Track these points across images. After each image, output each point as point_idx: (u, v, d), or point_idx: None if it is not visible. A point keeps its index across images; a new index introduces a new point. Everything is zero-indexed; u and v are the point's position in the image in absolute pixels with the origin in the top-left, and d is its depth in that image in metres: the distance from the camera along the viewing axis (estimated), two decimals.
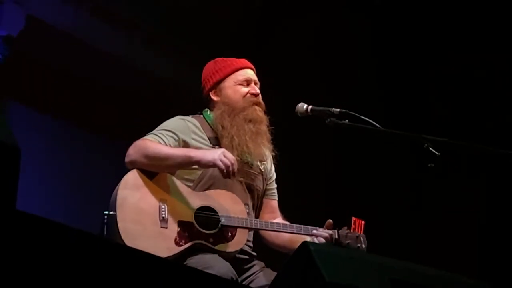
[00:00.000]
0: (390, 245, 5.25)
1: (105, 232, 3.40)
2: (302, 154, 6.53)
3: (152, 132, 3.61)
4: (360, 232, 3.59)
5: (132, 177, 3.49)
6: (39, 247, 2.12)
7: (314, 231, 3.57)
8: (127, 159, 3.53)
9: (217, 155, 3.44)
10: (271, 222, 3.62)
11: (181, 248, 3.42)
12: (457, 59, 6.39)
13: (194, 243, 3.44)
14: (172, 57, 6.55)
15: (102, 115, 6.38)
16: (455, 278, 2.78)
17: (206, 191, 3.57)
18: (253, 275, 3.59)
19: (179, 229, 3.43)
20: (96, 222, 3.49)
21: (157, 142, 3.54)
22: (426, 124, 6.27)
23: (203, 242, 3.45)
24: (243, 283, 3.53)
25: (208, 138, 3.66)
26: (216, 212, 3.51)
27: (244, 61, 3.82)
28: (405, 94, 6.61)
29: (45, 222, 2.16)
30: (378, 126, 3.53)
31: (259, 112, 3.72)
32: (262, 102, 3.77)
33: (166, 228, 3.43)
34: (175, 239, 3.42)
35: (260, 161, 3.72)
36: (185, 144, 3.60)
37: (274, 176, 3.85)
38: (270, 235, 3.71)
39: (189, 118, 3.71)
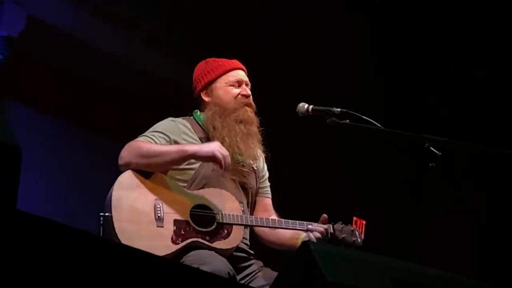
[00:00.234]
0: (391, 245, 5.26)
1: (101, 233, 3.42)
2: (303, 154, 6.54)
3: (143, 134, 3.63)
4: (362, 232, 3.60)
5: (127, 178, 3.50)
6: (40, 247, 2.12)
7: (310, 226, 3.59)
8: (121, 162, 3.54)
9: (214, 147, 3.48)
10: (266, 219, 3.64)
11: (178, 247, 3.43)
12: (457, 59, 6.39)
13: (190, 241, 3.45)
14: (172, 57, 6.55)
15: (102, 115, 6.38)
16: (455, 278, 2.79)
17: (201, 190, 3.58)
18: (252, 275, 3.60)
19: (175, 228, 3.45)
20: (96, 222, 3.49)
21: (148, 142, 3.57)
22: (427, 123, 6.27)
23: (199, 240, 3.46)
24: (241, 282, 3.53)
25: (199, 139, 3.68)
26: (212, 210, 3.52)
27: (236, 62, 3.84)
28: (405, 93, 6.61)
29: (46, 222, 2.16)
30: (379, 125, 3.54)
31: (250, 113, 3.74)
32: (253, 103, 3.79)
33: (162, 227, 3.44)
34: (172, 238, 3.43)
35: (252, 160, 3.73)
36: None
37: (267, 175, 3.87)
38: (265, 233, 3.73)
39: (179, 119, 3.73)
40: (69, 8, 6.06)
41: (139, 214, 3.43)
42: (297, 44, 6.62)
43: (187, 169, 3.60)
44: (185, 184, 3.59)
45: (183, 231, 3.45)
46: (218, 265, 3.34)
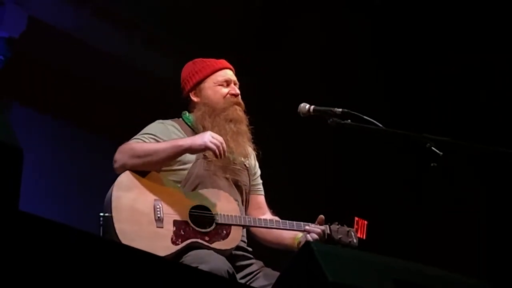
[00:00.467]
0: (393, 245, 5.26)
1: (101, 234, 3.43)
2: (303, 154, 6.54)
3: (134, 137, 3.64)
4: (363, 233, 3.61)
5: (126, 179, 3.51)
6: (41, 248, 2.12)
7: (307, 227, 3.60)
8: (115, 165, 3.55)
9: (206, 137, 3.49)
10: (264, 219, 3.65)
11: (178, 247, 3.44)
12: (457, 59, 6.39)
13: (190, 241, 3.46)
14: (172, 57, 6.55)
15: (103, 115, 6.38)
16: (456, 278, 2.79)
17: (199, 190, 3.59)
18: (252, 275, 3.61)
19: (174, 229, 3.46)
20: (97, 222, 3.50)
21: (140, 142, 3.59)
22: (427, 123, 6.27)
23: (199, 240, 3.48)
24: (242, 281, 3.54)
25: None
26: (210, 211, 3.53)
27: (224, 62, 3.85)
28: (405, 94, 6.61)
29: (47, 222, 2.16)
30: (380, 125, 3.54)
31: (239, 112, 3.75)
32: (242, 102, 3.80)
33: (162, 227, 3.45)
34: (172, 239, 3.44)
35: (244, 157, 3.75)
36: None
37: (259, 172, 3.88)
38: (261, 232, 3.75)
39: (168, 121, 3.75)
40: (70, 8, 6.06)
41: (139, 215, 3.44)
42: (297, 44, 6.62)
43: (179, 169, 3.62)
44: (179, 185, 3.60)
45: (183, 231, 3.47)
46: (217, 263, 3.35)
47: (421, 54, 6.55)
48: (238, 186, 3.72)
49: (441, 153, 3.38)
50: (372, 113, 3.59)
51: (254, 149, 3.80)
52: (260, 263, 3.66)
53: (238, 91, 3.79)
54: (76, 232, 2.20)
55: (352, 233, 3.65)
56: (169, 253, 3.41)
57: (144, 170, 3.54)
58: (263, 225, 3.63)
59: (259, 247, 3.77)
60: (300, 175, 6.51)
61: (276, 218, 3.72)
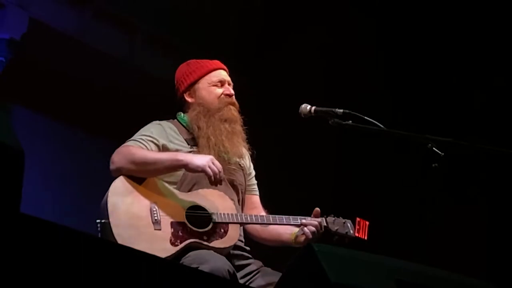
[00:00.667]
0: (395, 245, 5.25)
1: None
2: (305, 155, 6.53)
3: (132, 138, 3.64)
4: (365, 233, 3.61)
5: (120, 184, 3.51)
6: (43, 250, 2.12)
7: (303, 221, 3.60)
8: (112, 166, 3.55)
9: (206, 161, 3.49)
10: (261, 216, 3.65)
11: (177, 248, 3.44)
12: (460, 60, 6.38)
13: (189, 242, 3.46)
14: (172, 58, 6.54)
15: (104, 117, 6.38)
16: (460, 278, 2.78)
17: (194, 191, 3.60)
18: (251, 275, 3.61)
19: (172, 230, 3.46)
20: (95, 229, 3.49)
21: (140, 148, 3.57)
22: (429, 124, 6.26)
23: (197, 240, 3.48)
24: (240, 281, 3.54)
25: (185, 140, 3.70)
26: (207, 211, 3.53)
27: (217, 62, 3.86)
28: (406, 94, 6.60)
29: (48, 224, 2.16)
30: (382, 126, 3.53)
31: (234, 112, 3.76)
32: (236, 102, 3.80)
33: (160, 230, 3.45)
34: (170, 240, 3.44)
35: (238, 157, 3.75)
36: (165, 148, 3.64)
37: (254, 172, 3.88)
38: (257, 230, 3.75)
39: (164, 122, 3.75)
40: (71, 10, 6.06)
41: (136, 219, 3.45)
42: (298, 45, 6.61)
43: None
44: (175, 186, 3.60)
45: (181, 232, 3.47)
46: (217, 263, 3.36)
47: (422, 55, 6.54)
48: (234, 186, 3.72)
49: (443, 154, 3.38)
50: (373, 114, 3.58)
51: (248, 149, 3.81)
52: (259, 263, 3.66)
53: (232, 91, 3.80)
54: (77, 234, 2.19)
55: (349, 224, 3.66)
56: (168, 254, 3.41)
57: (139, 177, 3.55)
58: (259, 222, 3.63)
59: (258, 246, 3.77)
60: (301, 175, 6.50)
61: (274, 215, 3.71)
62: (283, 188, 5.90)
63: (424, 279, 2.63)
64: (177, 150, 3.63)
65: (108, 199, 3.45)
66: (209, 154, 3.60)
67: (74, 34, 6.06)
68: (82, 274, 2.15)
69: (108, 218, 3.41)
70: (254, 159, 3.87)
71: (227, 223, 3.53)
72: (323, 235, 3.62)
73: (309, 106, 3.68)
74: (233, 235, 3.54)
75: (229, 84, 3.81)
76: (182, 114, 3.81)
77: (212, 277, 2.90)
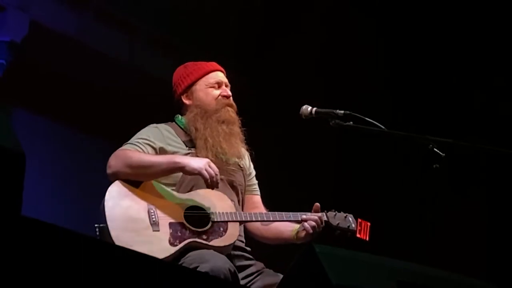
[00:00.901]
0: (396, 246, 5.25)
1: None
2: (305, 155, 6.53)
3: (128, 142, 3.65)
4: (366, 234, 3.61)
5: (117, 188, 3.52)
6: (44, 253, 2.12)
7: (303, 216, 3.60)
8: (109, 171, 3.56)
9: (203, 164, 3.49)
10: (260, 213, 3.66)
11: (177, 248, 3.44)
12: (460, 60, 6.38)
13: (188, 241, 3.46)
14: (172, 58, 6.54)
15: (105, 119, 6.37)
16: (461, 279, 2.78)
17: (192, 192, 3.60)
18: (252, 277, 3.60)
19: (171, 231, 3.46)
20: (93, 233, 3.49)
21: (137, 151, 3.57)
22: (430, 125, 6.26)
23: (197, 240, 3.48)
24: (241, 282, 3.54)
25: (183, 142, 3.70)
26: (205, 211, 3.53)
27: (214, 64, 3.87)
28: (407, 95, 6.60)
29: (49, 227, 2.16)
30: (383, 127, 3.53)
31: (231, 113, 3.76)
32: (234, 103, 3.81)
33: (159, 231, 3.45)
34: (169, 241, 3.44)
35: (237, 158, 3.75)
36: (162, 151, 3.65)
37: (254, 172, 3.88)
38: (259, 228, 3.75)
39: (162, 125, 3.76)
40: (72, 13, 6.05)
41: (134, 221, 3.45)
42: (298, 45, 6.61)
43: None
44: (174, 187, 3.60)
45: (180, 232, 3.47)
46: (218, 262, 3.35)
47: (422, 55, 6.54)
48: (233, 186, 3.72)
49: (443, 154, 3.38)
50: (373, 114, 3.58)
51: (247, 149, 3.81)
52: (261, 265, 3.66)
53: (229, 93, 3.81)
54: (80, 237, 2.19)
55: (350, 218, 3.66)
56: (167, 254, 3.41)
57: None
58: (259, 219, 3.64)
59: (259, 247, 3.77)
60: (301, 175, 6.50)
61: (274, 212, 3.71)
62: (283, 189, 5.90)
63: (426, 280, 2.63)
64: (174, 153, 3.64)
65: (105, 203, 3.46)
66: (207, 155, 3.60)
67: (74, 36, 6.06)
68: (82, 276, 2.15)
69: (105, 222, 3.42)
70: (253, 159, 3.87)
71: (226, 222, 3.53)
72: (326, 230, 3.62)
73: (309, 108, 3.69)
74: (233, 233, 3.54)
75: (226, 86, 3.82)
76: (180, 116, 3.81)
77: (211, 279, 2.90)
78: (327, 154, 6.61)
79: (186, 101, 3.79)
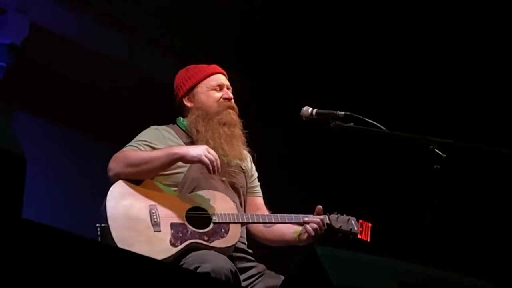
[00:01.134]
0: (397, 247, 5.25)
1: None
2: (306, 155, 6.53)
3: (128, 144, 3.66)
4: (367, 235, 3.61)
5: (118, 188, 3.52)
6: (45, 255, 2.12)
7: (306, 218, 3.60)
8: (110, 173, 3.57)
9: (201, 150, 3.50)
10: (262, 215, 3.66)
11: (178, 249, 3.44)
12: (461, 62, 6.38)
13: (189, 242, 3.46)
14: (172, 58, 6.54)
15: (106, 121, 6.37)
16: (462, 280, 2.78)
17: (194, 193, 3.60)
18: (253, 279, 3.60)
19: (172, 231, 3.46)
20: (94, 233, 3.49)
21: (134, 151, 3.59)
22: (431, 125, 6.26)
23: (198, 241, 3.48)
24: (242, 283, 3.54)
25: (184, 144, 3.71)
26: (207, 211, 3.54)
27: (216, 67, 3.88)
28: (408, 96, 6.61)
29: (50, 229, 2.16)
30: (383, 128, 3.54)
31: (233, 116, 3.78)
32: (235, 106, 3.82)
33: (160, 231, 3.45)
34: (170, 241, 3.44)
35: (239, 160, 3.76)
36: None
37: (256, 174, 3.89)
38: (261, 230, 3.75)
39: (163, 127, 3.77)
40: (72, 15, 6.06)
41: (135, 221, 3.45)
42: (298, 45, 6.61)
43: (175, 173, 3.62)
44: (176, 188, 3.61)
45: (181, 233, 3.47)
46: (219, 263, 3.36)
47: (422, 55, 6.54)
48: (235, 188, 3.73)
49: (444, 155, 3.38)
50: (373, 114, 3.58)
51: (249, 151, 3.82)
52: (262, 266, 3.66)
53: (231, 95, 3.82)
54: (81, 240, 2.19)
55: (352, 221, 3.66)
56: (168, 255, 3.41)
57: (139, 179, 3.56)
58: (260, 221, 3.64)
59: (261, 249, 3.77)
60: (301, 176, 6.50)
61: (276, 214, 3.71)
62: (284, 189, 5.89)
63: (428, 281, 2.63)
64: None
65: (107, 203, 3.46)
66: None
67: (75, 37, 6.06)
68: (83, 279, 2.15)
69: (107, 222, 3.42)
70: (254, 160, 3.88)
71: (228, 223, 3.53)
72: (328, 233, 3.62)
73: (310, 109, 3.69)
74: (235, 235, 3.54)
75: (228, 88, 3.83)
76: (181, 118, 3.83)
77: (212, 280, 2.90)
78: (327, 155, 6.61)
79: (188, 104, 3.80)
